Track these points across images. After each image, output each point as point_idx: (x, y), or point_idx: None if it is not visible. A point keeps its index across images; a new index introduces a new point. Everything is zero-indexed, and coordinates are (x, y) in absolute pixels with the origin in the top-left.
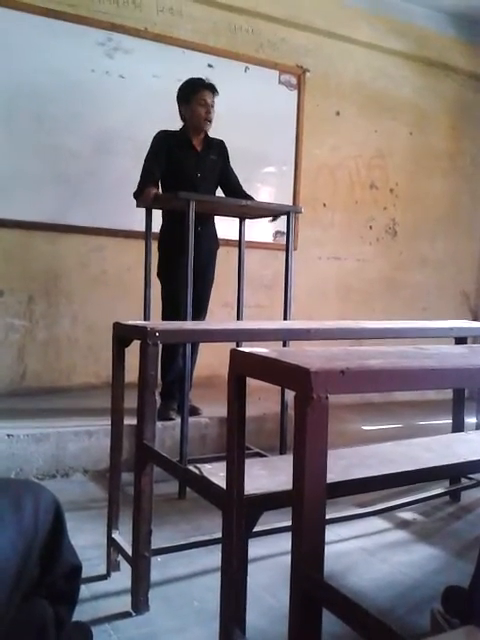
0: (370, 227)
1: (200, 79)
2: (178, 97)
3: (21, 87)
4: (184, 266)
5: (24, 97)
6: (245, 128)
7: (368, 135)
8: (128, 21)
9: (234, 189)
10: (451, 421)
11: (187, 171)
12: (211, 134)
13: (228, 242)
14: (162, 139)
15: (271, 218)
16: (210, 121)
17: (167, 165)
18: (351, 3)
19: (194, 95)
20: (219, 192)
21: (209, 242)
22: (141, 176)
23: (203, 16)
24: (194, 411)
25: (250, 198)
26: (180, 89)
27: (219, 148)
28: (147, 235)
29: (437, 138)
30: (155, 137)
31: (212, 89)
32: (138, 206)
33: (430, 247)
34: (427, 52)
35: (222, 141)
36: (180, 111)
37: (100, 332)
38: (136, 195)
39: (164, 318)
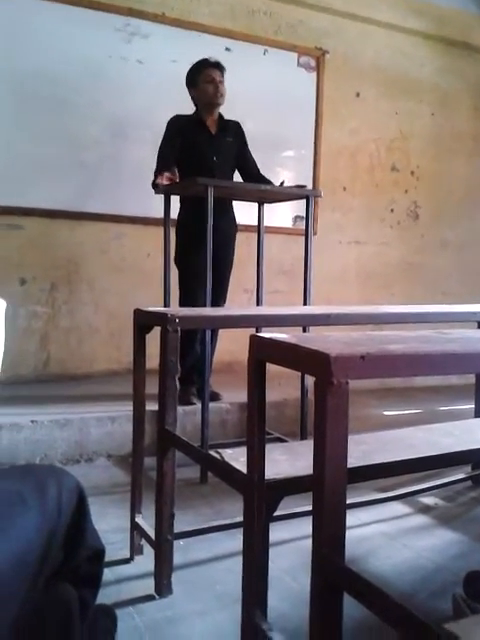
0: (391, 210)
1: (204, 59)
2: (187, 82)
3: (39, 74)
4: (202, 251)
5: (42, 84)
6: (264, 111)
7: (389, 117)
8: (146, 6)
9: (251, 173)
10: (474, 406)
11: (203, 155)
12: (229, 116)
13: (247, 227)
14: (176, 123)
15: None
16: (222, 95)
17: (182, 149)
18: None
19: (200, 75)
20: (236, 176)
21: (227, 227)
22: (156, 163)
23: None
24: (215, 397)
25: (268, 182)
26: (187, 74)
27: (235, 129)
28: (166, 221)
29: (459, 119)
30: (169, 122)
31: (217, 66)
32: (157, 193)
33: (452, 230)
34: (448, 31)
35: (238, 122)
36: (191, 96)
37: (121, 319)
38: (154, 184)
39: (182, 304)
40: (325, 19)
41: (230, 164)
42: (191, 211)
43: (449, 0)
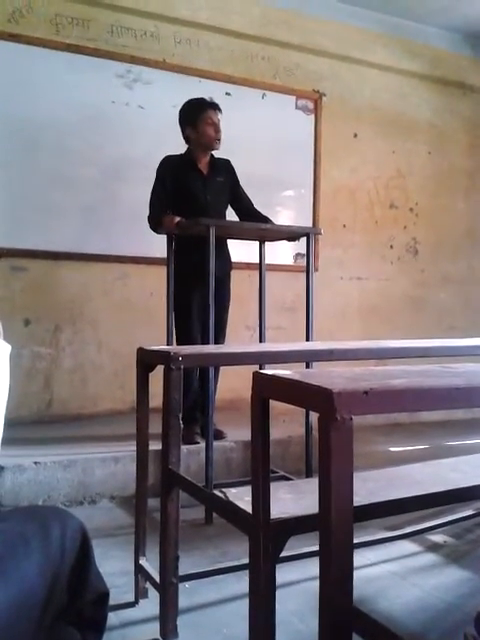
0: (391, 246)
1: (202, 99)
2: (181, 119)
3: (43, 121)
4: (197, 291)
5: (46, 131)
6: (264, 153)
7: (386, 156)
8: (147, 53)
9: (247, 211)
10: None
11: (196, 196)
12: (231, 158)
13: (249, 265)
14: (167, 166)
15: (293, 242)
16: (220, 140)
17: (175, 191)
18: (365, 26)
19: (201, 115)
20: (231, 214)
21: (222, 265)
22: (150, 207)
23: (220, 45)
24: (219, 435)
25: (266, 219)
26: (183, 111)
27: (225, 168)
28: (169, 261)
29: (456, 156)
30: (160, 165)
31: (217, 108)
32: (159, 233)
33: (453, 265)
34: (443, 72)
35: (228, 160)
36: (184, 133)
37: (125, 358)
38: (153, 227)
39: (179, 343)
40: (322, 62)
41: (223, 203)
42: (185, 250)
43: (443, 42)
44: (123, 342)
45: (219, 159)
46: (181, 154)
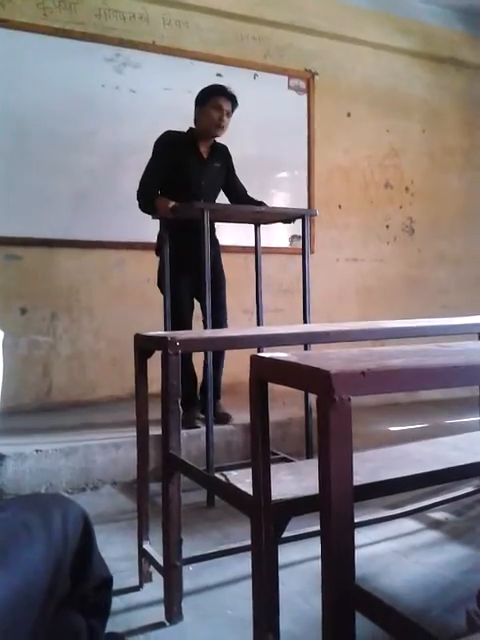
0: (387, 226)
1: (222, 86)
2: (195, 99)
3: (33, 107)
4: (187, 275)
5: (37, 117)
6: (257, 135)
7: (380, 135)
8: (136, 35)
9: (241, 198)
10: (479, 418)
11: (191, 179)
12: (223, 140)
13: (245, 248)
14: (167, 142)
15: (288, 224)
16: (222, 128)
17: (170, 169)
18: (356, 3)
19: (210, 98)
20: (223, 199)
21: (211, 248)
22: (141, 185)
23: (210, 26)
24: (225, 418)
25: (259, 204)
26: (199, 92)
27: (222, 153)
28: (162, 245)
29: (450, 134)
30: (159, 140)
31: (231, 98)
32: (153, 217)
33: (449, 243)
34: (436, 49)
35: (225, 146)
36: (195, 116)
37: (123, 345)
38: (143, 206)
39: (173, 329)
40: (313, 41)
41: (217, 188)
42: (173, 234)
43: (435, 18)
44: (121, 328)
45: (219, 144)
46: (183, 132)
